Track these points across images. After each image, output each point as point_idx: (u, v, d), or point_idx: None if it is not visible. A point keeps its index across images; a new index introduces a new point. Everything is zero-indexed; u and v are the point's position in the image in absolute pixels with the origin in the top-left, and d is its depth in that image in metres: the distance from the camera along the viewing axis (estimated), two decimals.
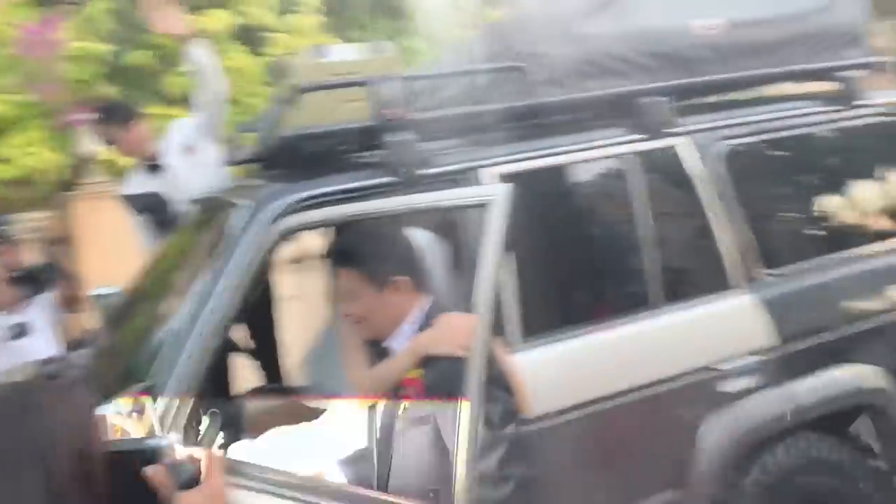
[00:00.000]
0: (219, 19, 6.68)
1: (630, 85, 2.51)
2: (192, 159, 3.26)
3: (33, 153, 5.40)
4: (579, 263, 2.42)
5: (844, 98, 2.81)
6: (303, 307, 5.06)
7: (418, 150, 2.19)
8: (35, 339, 3.80)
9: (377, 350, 1.85)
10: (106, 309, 3.33)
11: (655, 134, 2.49)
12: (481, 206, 1.30)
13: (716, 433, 2.35)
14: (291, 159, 2.53)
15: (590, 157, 2.43)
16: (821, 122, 2.81)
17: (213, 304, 1.91)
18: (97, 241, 5.65)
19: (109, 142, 3.40)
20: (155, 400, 1.63)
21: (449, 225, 2.18)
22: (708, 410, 2.35)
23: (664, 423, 2.31)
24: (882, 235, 2.82)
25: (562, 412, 2.16)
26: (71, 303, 3.99)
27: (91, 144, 5.69)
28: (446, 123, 2.34)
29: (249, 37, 7.30)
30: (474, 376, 1.25)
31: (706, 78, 2.64)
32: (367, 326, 1.81)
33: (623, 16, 2.52)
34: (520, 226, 2.27)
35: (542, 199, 2.37)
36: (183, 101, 6.39)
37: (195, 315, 1.91)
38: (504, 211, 1.26)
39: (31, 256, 4.06)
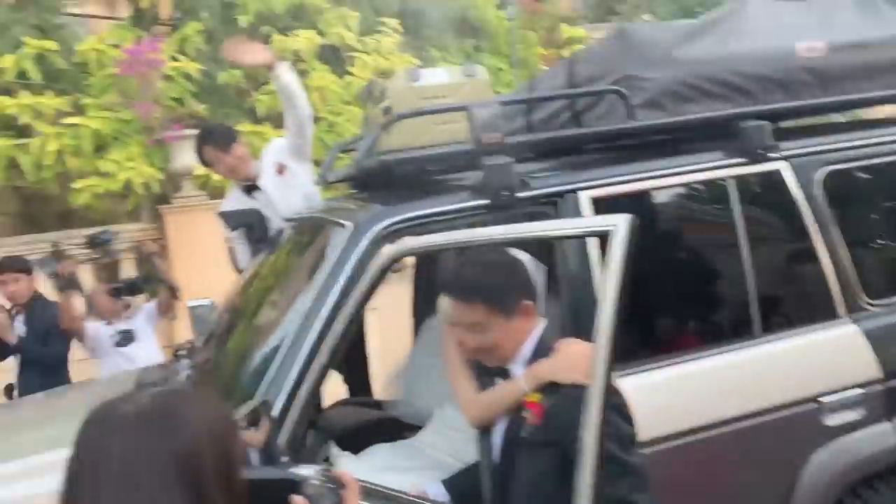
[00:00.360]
0: (305, 39, 6.89)
1: (730, 108, 2.48)
2: (283, 179, 3.34)
3: (132, 168, 5.66)
4: (677, 289, 2.39)
5: None
6: (379, 319, 5.13)
7: (515, 173, 2.21)
8: (140, 346, 3.97)
9: (490, 372, 1.86)
10: (200, 321, 3.45)
11: (756, 157, 2.44)
12: (603, 234, 1.30)
13: (817, 467, 2.28)
14: (388, 181, 2.60)
15: (688, 181, 2.41)
16: None
17: (320, 325, 1.96)
18: (189, 254, 5.87)
19: (208, 163, 3.49)
20: (268, 416, 1.69)
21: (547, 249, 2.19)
22: (810, 444, 2.28)
23: (764, 454, 2.25)
24: None
25: (658, 441, 2.14)
26: (168, 310, 4.16)
27: (184, 160, 5.93)
28: (542, 146, 2.36)
29: (331, 56, 7.50)
30: (595, 403, 1.25)
31: (808, 101, 2.59)
32: (493, 354, 1.80)
33: (724, 39, 2.49)
34: None
35: (638, 223, 2.36)
36: (270, 118, 6.62)
37: (302, 334, 1.96)
38: (626, 240, 1.26)
39: (130, 268, 4.25)
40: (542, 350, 1.75)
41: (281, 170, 3.34)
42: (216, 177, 5.99)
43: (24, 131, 5.90)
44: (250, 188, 3.40)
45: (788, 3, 2.76)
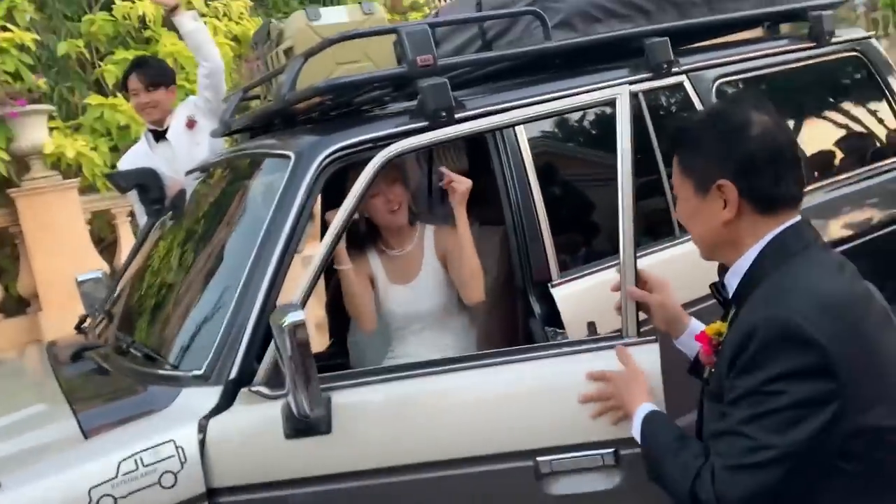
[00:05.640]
0: (150, 5, 6.44)
1: (633, 27, 2.61)
2: (191, 134, 3.23)
3: None
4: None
5: (817, 36, 3.00)
6: None
7: (451, 94, 2.21)
8: None
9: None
10: (92, 294, 3.23)
11: (661, 72, 2.59)
12: (610, 102, 1.34)
13: None
14: (295, 119, 2.53)
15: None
16: (799, 60, 2.99)
17: (277, 257, 1.91)
18: (46, 238, 5.40)
19: (129, 91, 3.38)
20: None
21: None
22: None
23: None
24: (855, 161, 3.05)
25: None
26: None
27: (32, 137, 5.42)
28: (477, 66, 2.37)
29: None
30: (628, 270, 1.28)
31: (698, 20, 2.76)
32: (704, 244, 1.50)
33: None
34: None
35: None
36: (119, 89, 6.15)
37: (259, 268, 1.90)
38: (630, 104, 1.30)
39: None
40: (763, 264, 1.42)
41: (191, 125, 3.24)
42: (70, 154, 5.53)
43: None
44: (158, 136, 3.28)
45: None
